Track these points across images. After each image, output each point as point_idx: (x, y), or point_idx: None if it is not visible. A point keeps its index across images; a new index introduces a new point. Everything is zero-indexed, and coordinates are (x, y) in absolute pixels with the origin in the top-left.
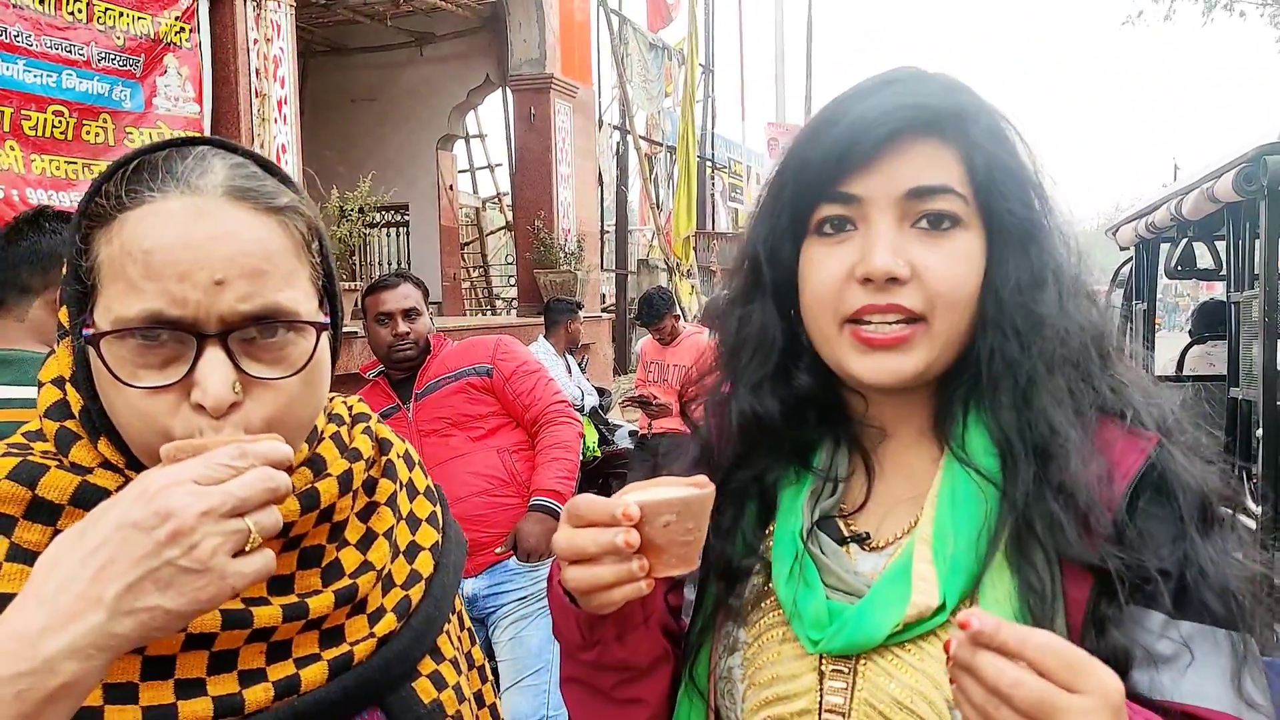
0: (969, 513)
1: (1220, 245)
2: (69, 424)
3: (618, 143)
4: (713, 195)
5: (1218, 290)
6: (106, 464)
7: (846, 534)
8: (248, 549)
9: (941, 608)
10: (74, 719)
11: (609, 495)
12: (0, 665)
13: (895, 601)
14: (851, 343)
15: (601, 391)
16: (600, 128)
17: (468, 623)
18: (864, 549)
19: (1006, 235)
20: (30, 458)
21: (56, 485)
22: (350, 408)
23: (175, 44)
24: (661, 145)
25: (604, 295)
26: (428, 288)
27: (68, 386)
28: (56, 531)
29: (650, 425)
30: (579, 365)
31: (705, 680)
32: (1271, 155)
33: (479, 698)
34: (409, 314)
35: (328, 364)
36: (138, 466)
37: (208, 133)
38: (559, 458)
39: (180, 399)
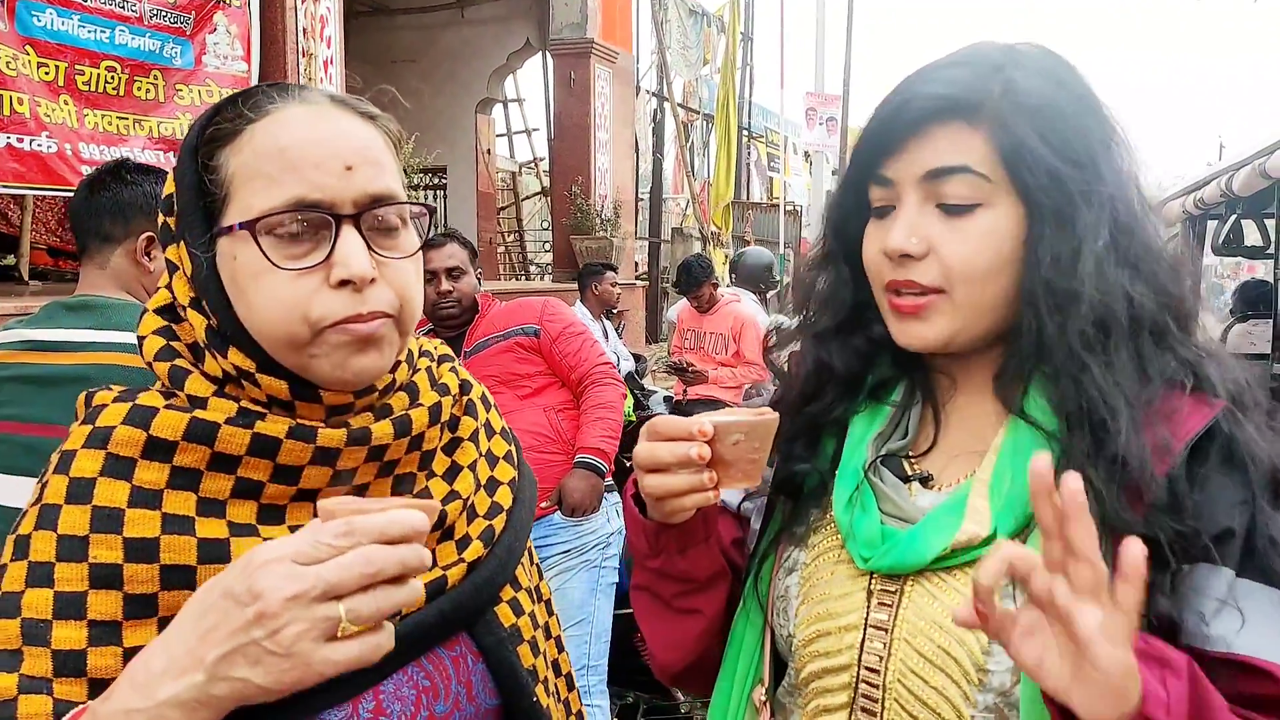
0: (1029, 460)
1: (1269, 223)
2: (179, 362)
3: (655, 110)
4: (748, 165)
5: (1259, 270)
6: (229, 379)
7: (910, 473)
8: (340, 635)
9: (991, 538)
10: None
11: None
12: (124, 693)
13: (946, 527)
14: (889, 309)
15: (637, 358)
16: (638, 94)
17: (536, 559)
18: (925, 488)
19: (1041, 210)
20: (139, 402)
21: (169, 424)
22: (435, 347)
23: (225, 2)
24: (698, 113)
25: (636, 263)
26: (475, 248)
27: (189, 315)
28: (174, 468)
29: (685, 391)
30: (615, 330)
31: (765, 597)
32: None
33: (546, 629)
34: (453, 273)
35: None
36: (269, 368)
37: None
38: (603, 417)
39: (321, 282)
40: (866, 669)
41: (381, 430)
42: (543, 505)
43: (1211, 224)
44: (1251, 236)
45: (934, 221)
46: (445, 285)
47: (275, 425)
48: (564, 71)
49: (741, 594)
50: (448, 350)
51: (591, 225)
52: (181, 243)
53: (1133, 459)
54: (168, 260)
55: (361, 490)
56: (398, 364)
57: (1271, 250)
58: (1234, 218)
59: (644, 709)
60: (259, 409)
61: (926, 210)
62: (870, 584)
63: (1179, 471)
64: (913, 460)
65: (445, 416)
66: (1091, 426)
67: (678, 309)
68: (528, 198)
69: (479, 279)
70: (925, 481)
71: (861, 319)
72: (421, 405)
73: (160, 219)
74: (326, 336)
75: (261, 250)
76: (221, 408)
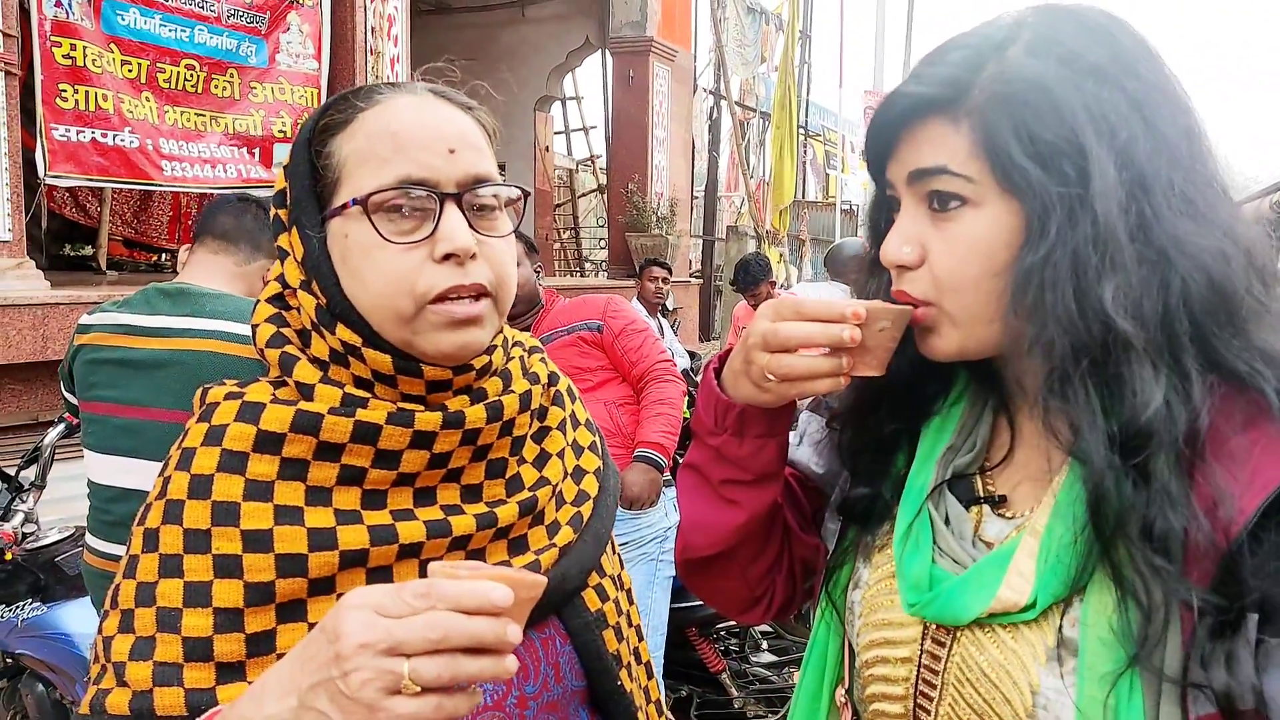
0: (1083, 509)
1: None
2: (289, 349)
3: (711, 107)
4: (804, 163)
5: None
6: (335, 359)
7: (981, 493)
8: (403, 691)
9: (1031, 606)
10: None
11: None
12: (244, 702)
13: (988, 585)
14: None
15: (692, 355)
16: (695, 92)
17: (617, 548)
18: (994, 513)
19: (1042, 207)
20: (248, 398)
21: (277, 418)
22: (526, 339)
23: (298, 2)
24: (755, 111)
25: (691, 261)
26: (534, 243)
27: (300, 297)
28: (283, 460)
29: None
30: (671, 328)
31: (841, 603)
32: None
33: (629, 617)
34: None
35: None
36: (374, 344)
37: (325, 90)
38: (663, 413)
39: (426, 257)
40: (919, 706)
41: (475, 414)
42: None
43: None
44: None
45: (926, 225)
46: None
47: (375, 413)
48: (623, 69)
49: (791, 549)
50: (537, 342)
51: (647, 223)
52: (294, 229)
53: (1179, 510)
54: (279, 249)
55: (457, 474)
56: (493, 348)
57: None
58: None
59: (697, 703)
60: (361, 394)
61: (920, 213)
62: (925, 624)
63: (1243, 529)
64: (986, 475)
65: (535, 405)
66: (1128, 455)
67: (739, 307)
68: (584, 195)
69: (539, 273)
70: (995, 504)
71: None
72: (513, 392)
73: (273, 213)
74: (428, 314)
75: (373, 225)
76: (326, 397)
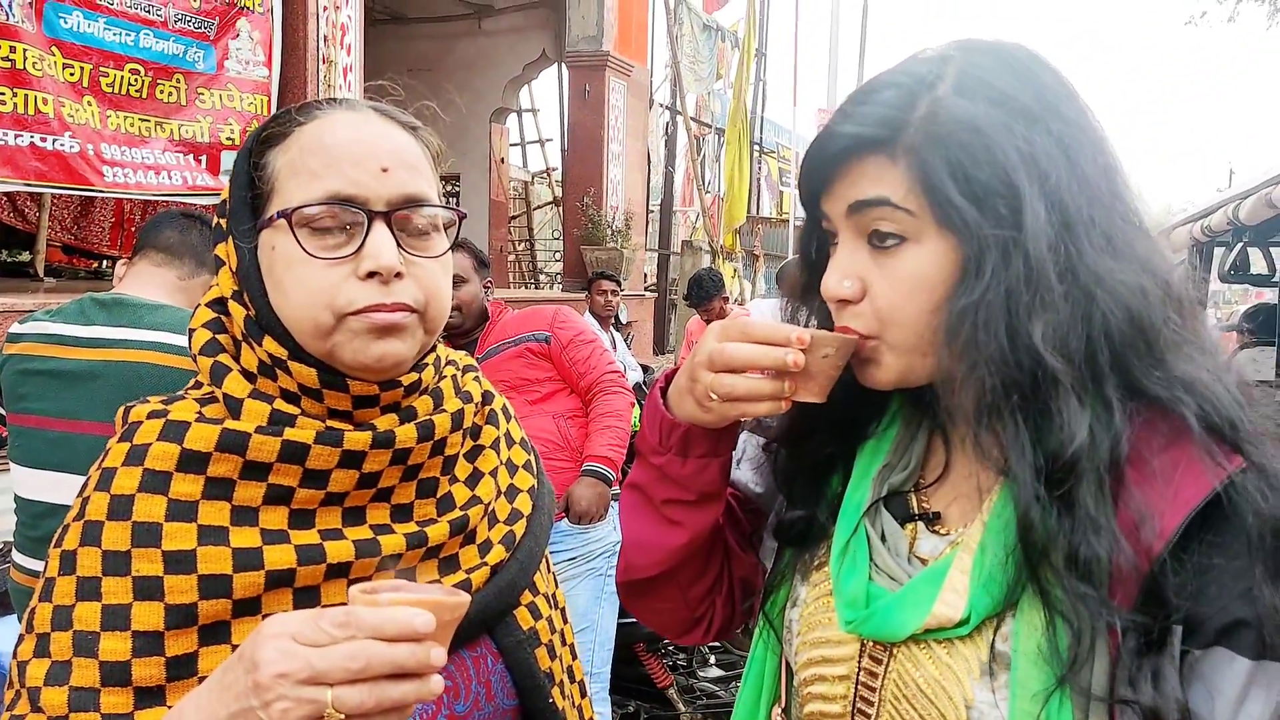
0: (1014, 528)
1: (1275, 251)
2: (221, 358)
3: (667, 123)
4: (758, 180)
5: (1267, 296)
6: (264, 370)
7: (916, 510)
8: (326, 719)
9: (965, 621)
10: (220, 626)
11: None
12: None
13: (923, 601)
14: None
15: (645, 369)
16: (651, 107)
17: (552, 567)
18: (929, 530)
19: (979, 243)
20: (172, 417)
21: (202, 437)
22: (460, 358)
23: (248, 8)
24: (710, 127)
25: (646, 274)
26: (484, 257)
27: (230, 307)
28: (208, 479)
29: None
30: (624, 341)
31: (779, 622)
32: None
33: (562, 635)
34: (454, 281)
35: (451, 269)
36: (300, 357)
37: (275, 98)
38: (611, 425)
39: (350, 273)
40: None
41: (405, 433)
42: None
43: (1219, 251)
44: (1258, 264)
45: (866, 259)
46: None
47: (303, 432)
48: (579, 83)
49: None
50: (472, 361)
51: (602, 236)
52: (229, 238)
53: (1103, 536)
54: (216, 257)
55: (387, 494)
56: (424, 366)
57: (1277, 278)
58: (1240, 245)
59: (645, 718)
60: (289, 409)
61: (859, 247)
62: (863, 641)
63: (1165, 546)
64: (921, 492)
65: (468, 423)
66: (1063, 495)
67: (693, 321)
68: (539, 207)
69: (488, 288)
70: (930, 522)
71: None
72: (445, 411)
73: (215, 221)
74: (348, 323)
75: (296, 239)
76: (253, 413)
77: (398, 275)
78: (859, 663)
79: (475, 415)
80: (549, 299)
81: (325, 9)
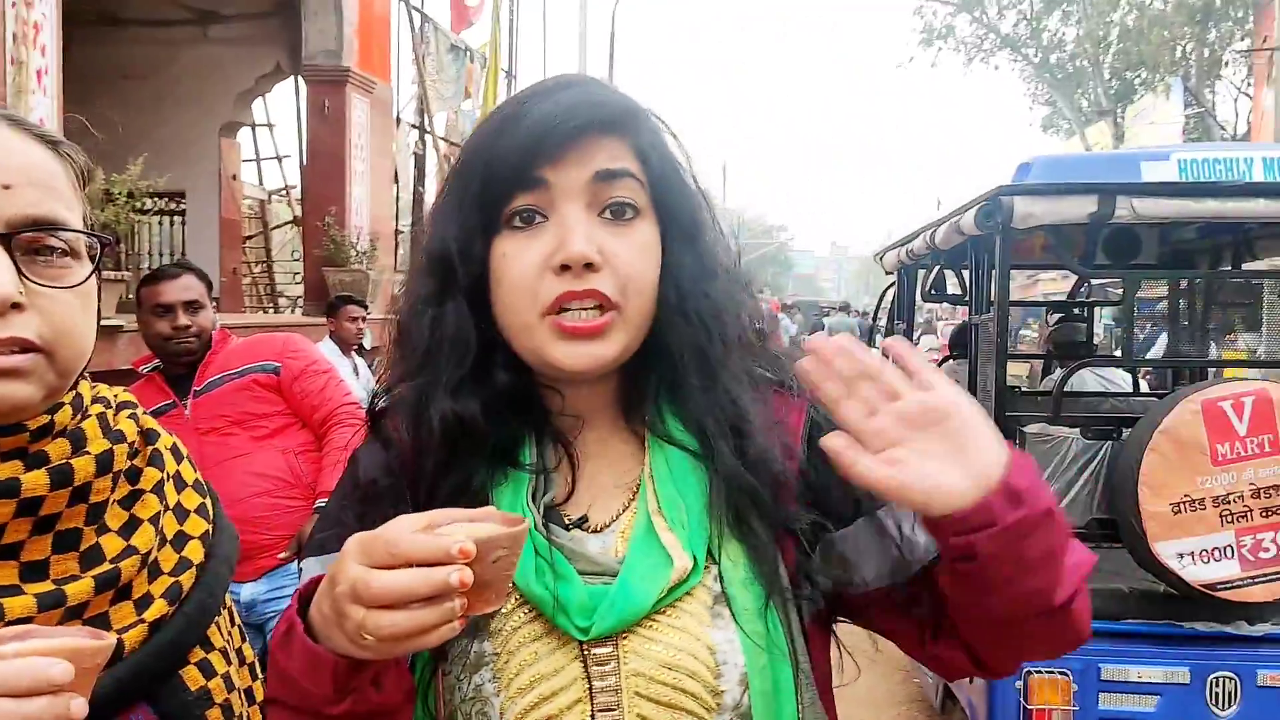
0: (689, 483)
1: (966, 273)
2: None
3: (416, 142)
4: None
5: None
6: None
7: (567, 522)
8: None
9: (695, 567)
10: None
11: None
12: None
13: (655, 569)
14: (553, 332)
15: None
16: (398, 125)
17: (238, 620)
18: (585, 532)
19: (679, 229)
20: None
21: None
22: (115, 395)
23: None
24: (460, 146)
25: (395, 297)
26: (211, 280)
27: None
28: None
29: None
30: (369, 367)
31: (465, 700)
32: (1006, 195)
33: (249, 694)
34: (191, 306)
35: (96, 301)
36: None
37: None
38: (346, 460)
39: None
40: None
41: (34, 481)
42: (280, 555)
43: (922, 272)
44: (953, 285)
45: (599, 230)
46: (183, 320)
47: None
48: (318, 98)
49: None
50: (130, 397)
51: (346, 257)
52: None
53: (771, 459)
54: None
55: (15, 550)
56: (59, 406)
57: (967, 298)
58: (937, 268)
59: None
60: None
61: (592, 219)
62: (582, 651)
63: (801, 458)
64: (560, 508)
65: (120, 466)
66: (733, 433)
67: None
68: (277, 226)
69: (215, 313)
70: (582, 525)
71: (487, 363)
72: (88, 453)
73: None
74: None
75: None
76: None
77: (15, 307)
78: (586, 672)
79: (134, 458)
80: (290, 325)
81: (14, 4)
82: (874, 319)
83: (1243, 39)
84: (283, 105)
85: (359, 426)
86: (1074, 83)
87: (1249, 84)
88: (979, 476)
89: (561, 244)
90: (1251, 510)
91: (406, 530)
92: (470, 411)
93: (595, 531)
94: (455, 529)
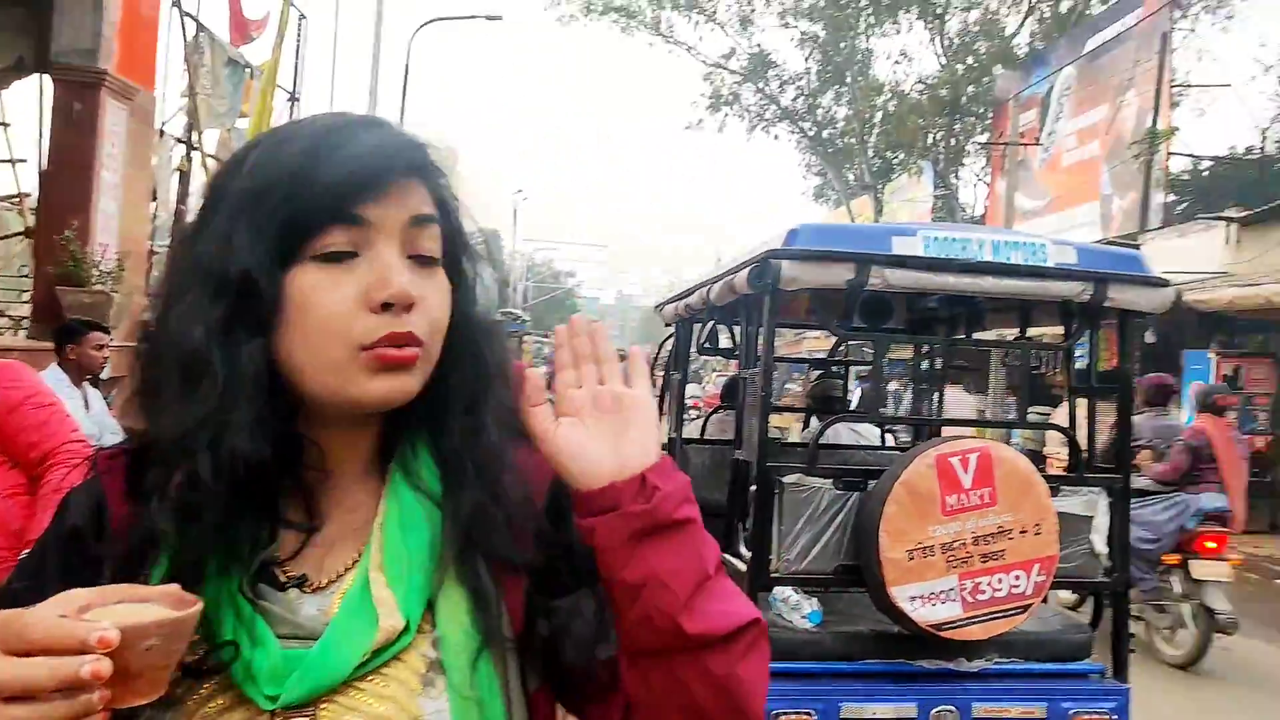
0: (418, 534)
1: (737, 329)
2: None
3: (183, 158)
4: None
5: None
6: None
7: (284, 580)
8: None
9: (406, 629)
10: None
11: None
12: None
13: (360, 631)
14: (367, 366)
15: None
16: (161, 138)
17: None
18: (304, 591)
19: (464, 278)
20: None
21: None
22: None
23: None
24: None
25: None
26: None
27: None
28: None
29: None
30: (104, 399)
31: None
32: (775, 259)
33: None
34: None
35: None
36: None
37: None
38: None
39: None
40: None
41: None
42: None
43: (698, 326)
44: (725, 339)
45: (409, 273)
46: None
47: None
48: (66, 100)
49: None
50: None
51: (86, 276)
52: None
53: (513, 497)
54: None
55: None
56: None
57: (738, 351)
58: (711, 323)
59: None
60: None
61: (403, 262)
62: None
63: (546, 524)
64: (283, 565)
65: None
66: (479, 471)
67: None
68: (5, 237)
69: None
70: (301, 585)
71: (272, 403)
72: None
73: None
74: None
75: None
76: None
77: None
78: None
79: None
80: (8, 348)
81: None
82: (651, 368)
83: (983, 133)
84: (22, 103)
85: (78, 464)
86: (843, 157)
87: (987, 172)
88: (622, 462)
89: (383, 282)
90: (972, 556)
91: (53, 611)
92: (262, 455)
93: (315, 590)
94: (107, 611)
